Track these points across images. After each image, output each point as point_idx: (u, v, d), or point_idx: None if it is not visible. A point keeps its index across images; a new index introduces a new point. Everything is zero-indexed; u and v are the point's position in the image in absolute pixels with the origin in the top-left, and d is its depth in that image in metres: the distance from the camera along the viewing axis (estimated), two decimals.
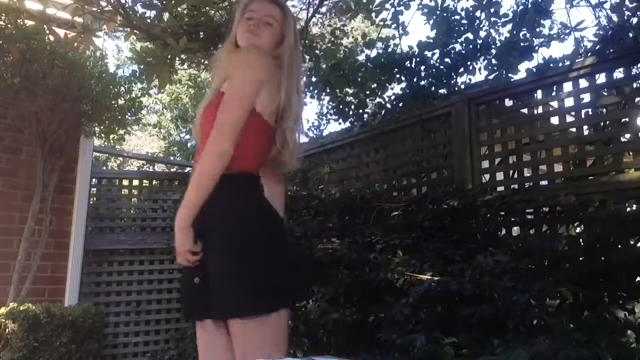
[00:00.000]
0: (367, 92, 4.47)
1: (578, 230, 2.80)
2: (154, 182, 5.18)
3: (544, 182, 3.22)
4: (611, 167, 2.94)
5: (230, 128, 1.43)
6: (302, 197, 3.87)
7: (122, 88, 3.88)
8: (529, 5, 4.31)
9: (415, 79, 4.40)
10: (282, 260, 1.46)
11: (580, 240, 2.63)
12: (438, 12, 4.43)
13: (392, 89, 4.66)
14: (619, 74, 2.99)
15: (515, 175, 3.36)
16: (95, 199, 4.83)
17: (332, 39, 4.87)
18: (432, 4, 4.46)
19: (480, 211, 3.07)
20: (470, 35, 4.45)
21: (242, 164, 1.47)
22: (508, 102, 3.51)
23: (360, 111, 4.48)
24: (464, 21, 4.46)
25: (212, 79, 1.67)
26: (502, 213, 3.07)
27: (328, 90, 4.48)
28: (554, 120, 3.24)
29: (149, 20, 3.49)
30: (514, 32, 4.34)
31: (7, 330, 3.16)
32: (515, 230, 3.15)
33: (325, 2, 4.81)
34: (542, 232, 2.96)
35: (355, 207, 3.53)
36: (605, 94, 3.06)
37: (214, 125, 1.45)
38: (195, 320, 1.56)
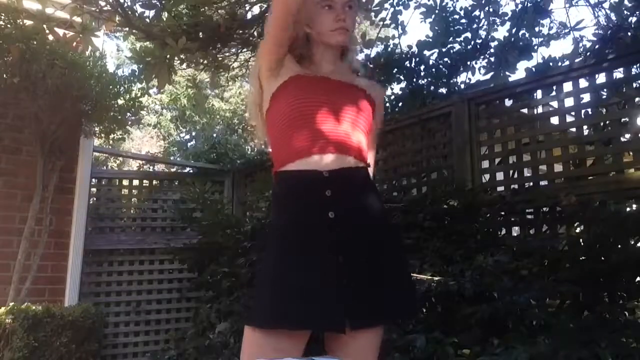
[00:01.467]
0: None
1: (578, 230, 2.80)
2: (154, 182, 5.17)
3: (544, 182, 3.22)
4: (611, 167, 2.94)
5: None
6: None
7: (122, 88, 3.88)
8: (528, 5, 4.31)
9: (414, 79, 4.40)
10: None
11: (580, 240, 2.63)
12: (437, 12, 4.43)
13: (391, 88, 4.66)
14: (618, 74, 2.99)
15: (515, 175, 3.36)
16: (95, 199, 4.83)
17: None
18: (431, 3, 4.46)
19: (480, 211, 3.07)
20: (469, 35, 4.45)
21: None
22: (508, 102, 3.51)
23: None
24: (462, 20, 4.46)
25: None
26: (502, 213, 3.07)
27: None
28: (554, 120, 3.25)
29: (147, 20, 3.49)
30: (513, 31, 4.35)
31: (7, 330, 3.15)
32: (516, 230, 3.15)
33: None
34: (542, 232, 2.96)
35: None
36: (605, 94, 3.06)
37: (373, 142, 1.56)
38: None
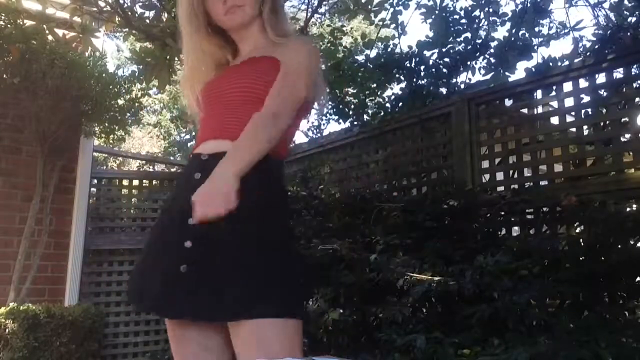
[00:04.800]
0: (367, 92, 4.47)
1: (578, 230, 2.80)
2: (154, 182, 5.17)
3: (544, 182, 3.22)
4: (611, 167, 2.94)
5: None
6: (302, 197, 3.87)
7: (122, 88, 3.88)
8: (528, 5, 4.31)
9: (414, 79, 4.41)
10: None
11: (580, 240, 2.63)
12: (437, 12, 4.43)
13: (391, 88, 4.66)
14: (618, 74, 3.00)
15: (515, 175, 3.37)
16: (95, 199, 4.83)
17: (332, 39, 4.87)
18: (431, 3, 4.47)
19: (480, 211, 3.07)
20: (469, 35, 4.45)
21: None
22: (508, 102, 3.51)
23: (360, 111, 4.48)
24: (462, 20, 4.47)
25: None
26: (503, 213, 3.07)
27: (328, 90, 4.47)
28: (554, 120, 3.25)
29: (147, 21, 3.49)
30: (513, 31, 4.35)
31: (7, 330, 3.15)
32: (516, 230, 3.15)
33: (324, 3, 4.82)
34: (542, 232, 2.96)
35: (355, 207, 3.52)
36: (605, 94, 3.07)
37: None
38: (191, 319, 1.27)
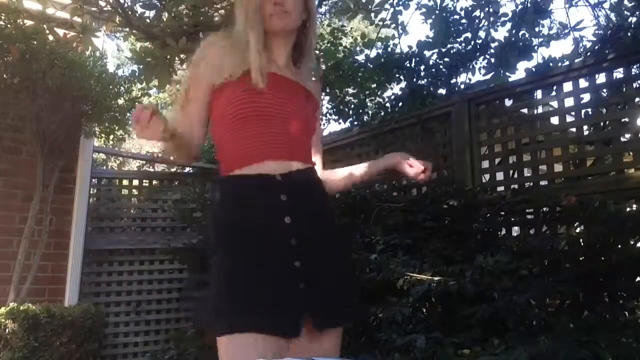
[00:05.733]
0: (367, 92, 4.47)
1: (578, 230, 2.80)
2: (154, 182, 5.17)
3: (544, 182, 3.22)
4: (611, 167, 2.94)
5: None
6: None
7: (122, 88, 3.88)
8: (528, 5, 4.31)
9: (414, 79, 4.41)
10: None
11: (580, 240, 2.63)
12: (437, 12, 4.43)
13: (391, 88, 4.66)
14: (618, 74, 2.99)
15: (515, 175, 3.37)
16: (95, 199, 4.83)
17: (332, 39, 4.87)
18: (431, 3, 4.46)
19: (480, 211, 3.07)
20: (469, 35, 4.45)
21: None
22: (508, 102, 3.51)
23: (360, 111, 4.48)
24: (463, 21, 4.47)
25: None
26: (502, 213, 3.07)
27: (328, 90, 4.48)
28: (554, 120, 3.25)
29: (148, 20, 3.49)
30: (513, 31, 4.35)
31: (7, 330, 3.16)
32: (516, 230, 3.16)
33: (324, 3, 4.82)
34: (542, 232, 2.96)
35: (355, 207, 3.52)
36: (605, 94, 3.07)
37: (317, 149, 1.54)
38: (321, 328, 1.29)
